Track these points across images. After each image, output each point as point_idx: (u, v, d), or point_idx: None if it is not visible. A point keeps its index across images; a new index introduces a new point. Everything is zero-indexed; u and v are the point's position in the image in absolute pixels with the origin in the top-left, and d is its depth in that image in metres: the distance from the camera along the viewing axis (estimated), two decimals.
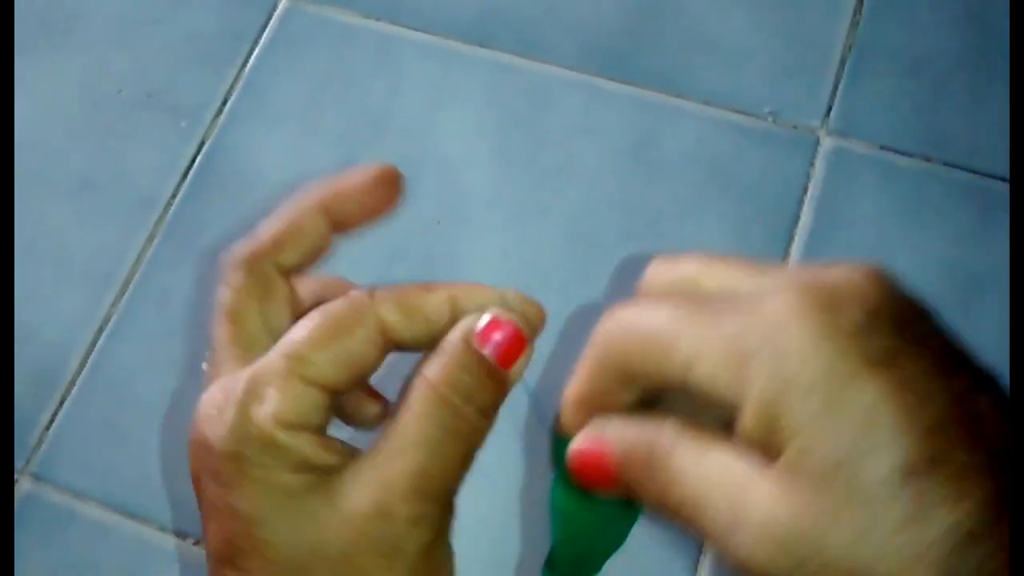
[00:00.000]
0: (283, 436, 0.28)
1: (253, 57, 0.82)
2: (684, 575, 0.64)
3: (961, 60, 0.77)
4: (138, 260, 0.75)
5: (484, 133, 0.78)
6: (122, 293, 0.74)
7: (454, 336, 0.30)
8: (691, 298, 0.28)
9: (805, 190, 0.74)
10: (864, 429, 0.24)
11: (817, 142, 0.75)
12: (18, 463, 0.69)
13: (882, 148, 0.75)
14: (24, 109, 0.80)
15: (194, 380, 0.71)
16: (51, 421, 0.71)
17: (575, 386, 0.30)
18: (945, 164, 0.74)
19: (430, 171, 0.77)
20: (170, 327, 0.73)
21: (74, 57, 0.83)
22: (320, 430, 0.29)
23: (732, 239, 0.73)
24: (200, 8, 0.84)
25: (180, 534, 0.67)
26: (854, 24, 0.79)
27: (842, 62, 0.78)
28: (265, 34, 0.83)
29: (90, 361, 0.72)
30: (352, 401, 0.33)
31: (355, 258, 0.74)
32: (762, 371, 0.25)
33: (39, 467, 0.69)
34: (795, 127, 0.76)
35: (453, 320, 0.31)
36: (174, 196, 0.77)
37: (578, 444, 0.30)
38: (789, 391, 0.25)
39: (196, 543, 0.67)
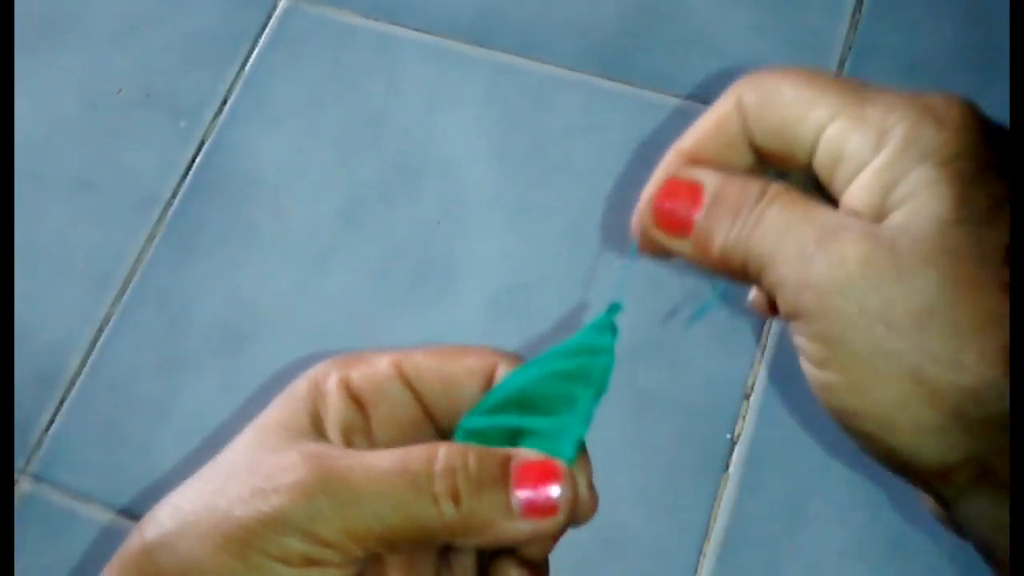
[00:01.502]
0: (333, 392, 0.29)
1: (253, 57, 0.82)
2: (684, 575, 0.64)
3: (960, 61, 0.77)
4: (138, 260, 0.75)
5: (484, 133, 0.78)
6: (122, 293, 0.74)
7: (502, 449, 0.28)
8: (837, 79, 0.28)
9: None
10: (988, 207, 0.25)
11: None
12: (18, 463, 0.69)
13: None
14: (24, 109, 0.80)
15: (196, 379, 0.71)
16: (51, 421, 0.71)
17: (690, 137, 0.30)
18: None
19: (429, 171, 0.77)
20: (170, 326, 0.73)
21: (74, 57, 0.83)
22: (381, 434, 0.30)
23: None
24: (200, 8, 0.84)
25: None
26: (853, 24, 0.79)
27: (841, 63, 0.78)
28: (265, 34, 0.83)
29: (90, 361, 0.72)
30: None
31: (354, 259, 0.74)
32: (901, 138, 0.26)
33: (39, 467, 0.69)
34: None
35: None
36: (174, 196, 0.77)
37: (673, 172, 0.29)
38: (925, 159, 0.25)
39: None
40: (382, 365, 0.30)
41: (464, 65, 0.80)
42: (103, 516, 0.68)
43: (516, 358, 0.30)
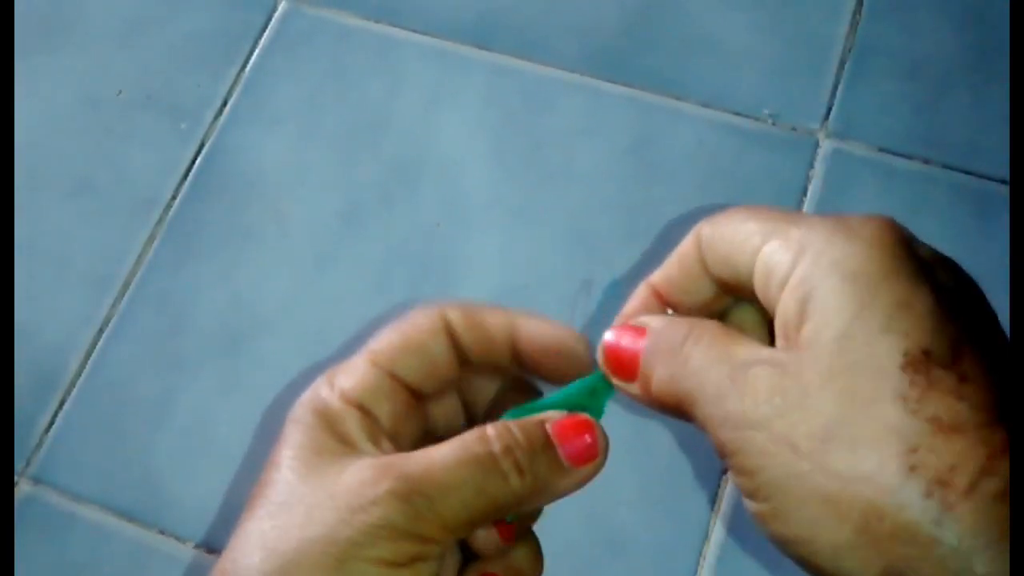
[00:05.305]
0: (337, 404, 0.31)
1: (253, 58, 0.82)
2: (684, 575, 0.64)
3: (961, 62, 0.78)
4: (138, 261, 0.75)
5: (483, 134, 0.78)
6: (122, 294, 0.74)
7: (533, 416, 0.31)
8: (780, 211, 0.30)
9: (804, 192, 0.74)
10: (888, 314, 0.25)
11: (816, 144, 0.75)
12: (18, 465, 0.69)
13: (881, 150, 0.75)
14: (24, 110, 0.80)
15: (196, 380, 0.71)
16: (51, 423, 0.71)
17: (659, 271, 0.32)
18: (944, 166, 0.74)
19: (429, 173, 0.77)
20: (170, 327, 0.73)
21: (74, 58, 0.83)
22: (389, 429, 0.31)
23: None
24: (200, 9, 0.84)
25: (180, 537, 0.67)
26: (853, 26, 0.79)
27: (841, 64, 0.78)
28: (265, 35, 0.83)
29: (90, 362, 0.72)
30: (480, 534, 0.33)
31: (354, 260, 0.74)
32: (815, 252, 0.27)
33: (39, 469, 0.69)
34: (794, 129, 0.76)
35: (511, 342, 0.32)
36: (174, 197, 0.77)
37: (618, 325, 0.31)
38: (831, 271, 0.26)
39: (196, 547, 0.67)
40: (362, 368, 0.32)
41: (464, 67, 0.80)
42: (102, 518, 0.68)
43: (455, 303, 0.33)
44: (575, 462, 0.31)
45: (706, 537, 0.65)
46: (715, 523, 0.65)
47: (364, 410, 0.31)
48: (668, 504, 0.66)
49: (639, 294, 0.33)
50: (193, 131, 0.80)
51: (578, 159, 0.76)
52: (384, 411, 0.31)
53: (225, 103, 0.80)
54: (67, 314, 0.74)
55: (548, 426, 0.31)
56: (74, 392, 0.71)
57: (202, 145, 0.79)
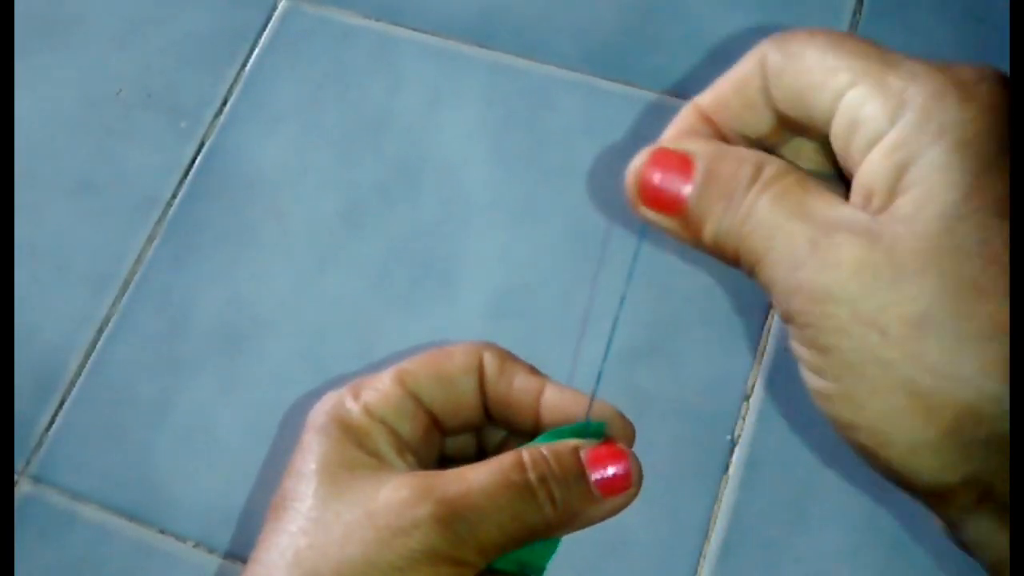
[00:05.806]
0: (362, 418, 0.30)
1: (253, 57, 0.82)
2: (684, 575, 0.64)
3: (960, 61, 0.77)
4: (138, 260, 0.75)
5: (484, 133, 0.78)
6: (122, 293, 0.74)
7: (569, 441, 0.31)
8: (870, 45, 0.25)
9: None
10: (1005, 195, 0.22)
11: None
12: (18, 465, 0.69)
13: None
14: (24, 109, 0.80)
15: (196, 380, 0.71)
16: (51, 422, 0.71)
17: (710, 92, 0.27)
18: None
19: (430, 172, 0.77)
20: (170, 327, 0.73)
21: (74, 57, 0.83)
22: (411, 445, 0.31)
23: None
24: (200, 8, 0.84)
25: (180, 536, 0.67)
26: (854, 25, 0.79)
27: None
28: (265, 34, 0.83)
29: (90, 362, 0.72)
30: None
31: (354, 259, 0.74)
32: (920, 111, 0.23)
33: (39, 469, 0.69)
34: None
35: (534, 410, 0.32)
36: (174, 196, 0.77)
37: (661, 144, 0.26)
38: (942, 137, 0.22)
39: (196, 546, 0.67)
40: (388, 386, 0.31)
41: (464, 65, 0.80)
42: (103, 517, 0.68)
43: (495, 347, 0.33)
44: (607, 492, 0.31)
45: (706, 538, 0.65)
46: (715, 524, 0.65)
47: (388, 426, 0.31)
48: (668, 504, 0.66)
49: (684, 116, 0.27)
50: (193, 130, 0.80)
51: (578, 158, 0.76)
52: (406, 430, 0.31)
53: (225, 102, 0.80)
54: (67, 313, 0.74)
55: (582, 454, 0.30)
56: (74, 392, 0.71)
57: (202, 144, 0.79)
